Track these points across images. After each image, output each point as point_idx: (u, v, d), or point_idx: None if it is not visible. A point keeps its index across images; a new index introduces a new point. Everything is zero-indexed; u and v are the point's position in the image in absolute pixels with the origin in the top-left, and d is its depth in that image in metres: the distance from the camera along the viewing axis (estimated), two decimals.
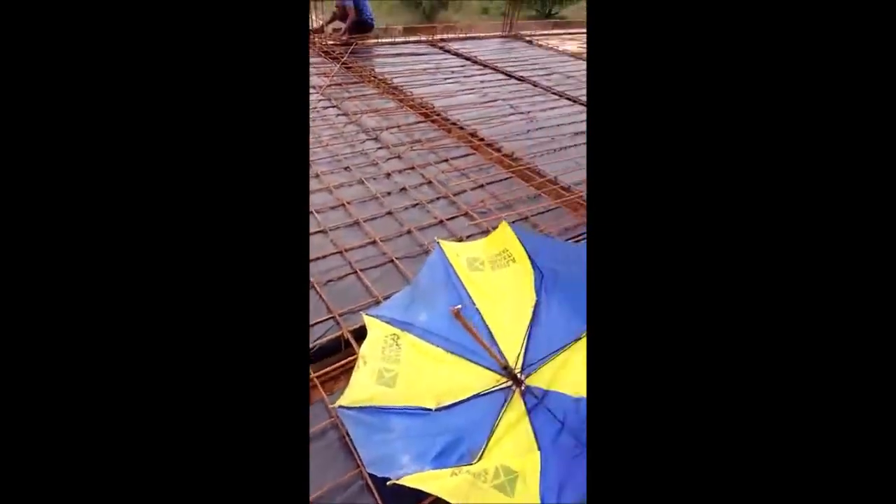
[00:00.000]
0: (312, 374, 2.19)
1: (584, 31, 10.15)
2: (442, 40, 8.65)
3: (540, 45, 8.93)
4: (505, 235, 2.19)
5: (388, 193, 3.79)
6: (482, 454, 1.74)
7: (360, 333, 2.27)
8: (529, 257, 2.11)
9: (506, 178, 4.09)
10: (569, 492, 1.47)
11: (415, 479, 1.60)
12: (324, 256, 3.04)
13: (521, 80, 6.81)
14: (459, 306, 1.66)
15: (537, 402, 1.82)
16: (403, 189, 3.85)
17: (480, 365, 2.03)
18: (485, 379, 1.98)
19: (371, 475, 1.76)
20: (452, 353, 2.09)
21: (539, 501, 1.49)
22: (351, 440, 1.89)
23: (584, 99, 6.04)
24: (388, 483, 1.63)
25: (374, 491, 1.74)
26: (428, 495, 1.67)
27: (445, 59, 7.63)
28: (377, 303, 2.58)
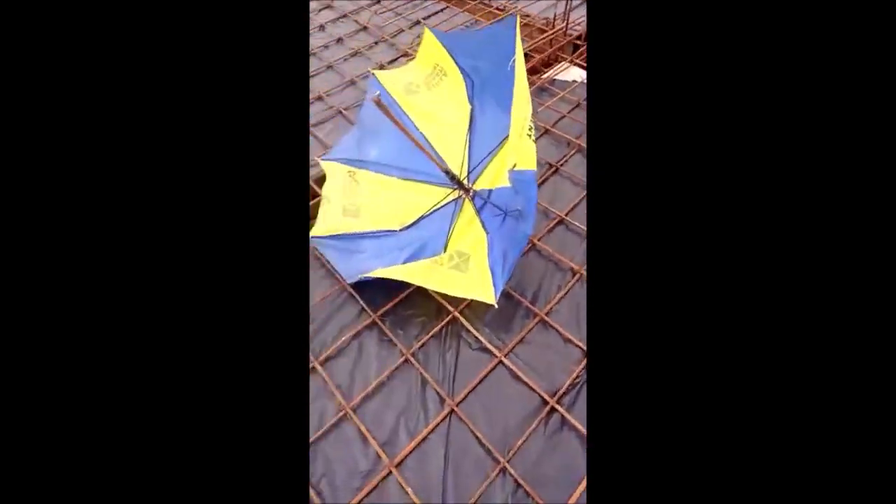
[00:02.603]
0: None
1: None
2: None
3: None
4: (431, 46, 2.18)
5: (325, 47, 3.59)
6: (444, 252, 2.01)
7: (322, 182, 2.39)
8: (456, 63, 2.14)
9: (442, 9, 3.84)
10: (510, 255, 1.75)
11: (381, 272, 1.88)
12: None
13: None
14: (377, 93, 1.75)
15: (484, 202, 2.03)
16: (340, 40, 3.63)
17: (432, 183, 2.20)
18: (437, 195, 2.18)
19: (352, 286, 2.04)
20: (406, 178, 2.25)
21: (489, 272, 1.77)
22: (329, 264, 2.14)
23: None
24: (359, 277, 1.91)
25: (357, 297, 2.03)
26: (401, 290, 1.97)
27: None
28: None
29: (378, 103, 1.74)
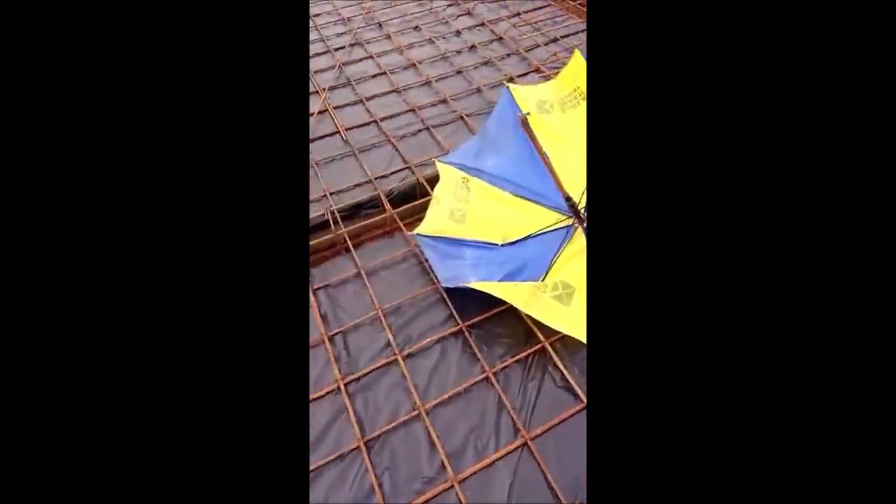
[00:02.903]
0: (393, 213, 2.46)
1: None
2: None
3: None
4: (577, 68, 2.14)
5: (458, 52, 3.69)
6: (543, 278, 1.96)
7: (434, 181, 2.45)
8: None
9: (583, 30, 3.76)
10: None
11: (480, 285, 1.87)
12: (397, 114, 3.15)
13: None
14: (528, 112, 1.72)
15: None
16: (473, 47, 3.71)
17: (543, 205, 2.16)
18: (548, 218, 2.13)
19: (445, 289, 2.06)
20: (519, 195, 2.23)
21: None
22: (428, 263, 2.18)
23: None
24: (457, 283, 1.91)
25: (448, 302, 2.05)
26: (493, 305, 1.95)
27: None
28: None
29: (524, 123, 1.74)
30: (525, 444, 1.60)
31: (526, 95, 2.29)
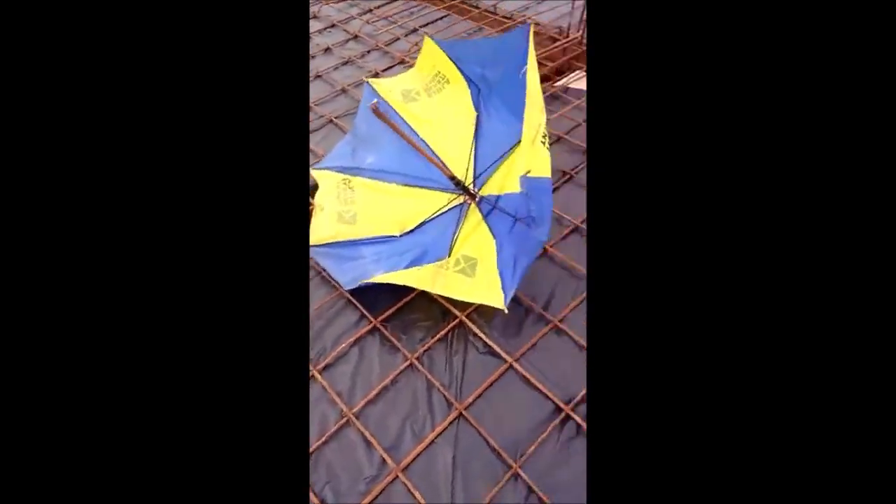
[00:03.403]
0: None
1: None
2: None
3: None
4: (432, 54, 2.21)
5: (312, 56, 3.57)
6: (448, 257, 2.00)
7: (312, 191, 2.35)
8: (460, 71, 2.16)
9: (441, 17, 3.91)
10: (522, 261, 1.76)
11: (382, 277, 1.85)
12: None
13: None
14: (375, 101, 1.76)
15: (492, 208, 2.04)
16: (328, 49, 3.63)
17: (434, 189, 2.20)
18: (440, 200, 2.18)
19: (350, 292, 1.99)
20: (406, 184, 2.25)
21: (498, 276, 1.78)
22: (326, 273, 2.09)
23: None
24: (359, 283, 1.87)
25: (356, 303, 1.99)
26: (403, 295, 1.95)
27: None
28: None
29: (375, 111, 1.74)
30: (460, 415, 1.63)
31: (389, 87, 2.31)
